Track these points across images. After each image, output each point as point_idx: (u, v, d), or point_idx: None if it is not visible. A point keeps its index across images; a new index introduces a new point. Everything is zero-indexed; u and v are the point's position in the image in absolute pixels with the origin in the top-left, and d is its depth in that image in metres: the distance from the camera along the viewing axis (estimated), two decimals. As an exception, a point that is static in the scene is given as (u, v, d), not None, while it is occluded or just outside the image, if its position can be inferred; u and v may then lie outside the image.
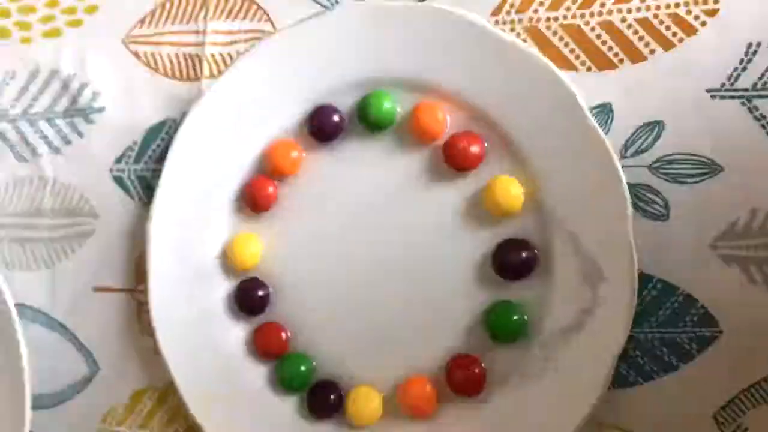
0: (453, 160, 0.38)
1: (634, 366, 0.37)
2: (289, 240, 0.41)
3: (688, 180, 0.36)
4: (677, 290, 0.36)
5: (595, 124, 0.35)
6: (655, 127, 0.37)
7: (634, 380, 0.37)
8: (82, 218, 0.46)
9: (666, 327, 0.37)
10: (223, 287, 0.42)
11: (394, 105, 0.39)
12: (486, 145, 0.38)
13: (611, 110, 0.37)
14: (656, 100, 0.37)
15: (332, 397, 0.39)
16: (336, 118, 0.40)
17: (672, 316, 0.36)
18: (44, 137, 0.46)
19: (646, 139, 0.37)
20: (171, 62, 0.45)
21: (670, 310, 0.36)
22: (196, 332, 0.41)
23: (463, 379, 0.37)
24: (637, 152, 0.37)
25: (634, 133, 0.37)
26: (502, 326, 0.37)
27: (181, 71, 0.44)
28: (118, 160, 0.45)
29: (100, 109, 0.46)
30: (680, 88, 0.37)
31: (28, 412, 0.43)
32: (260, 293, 0.41)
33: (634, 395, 0.37)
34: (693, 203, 0.36)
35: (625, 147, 0.37)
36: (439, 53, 0.38)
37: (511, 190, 0.37)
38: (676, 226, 0.36)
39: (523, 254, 0.36)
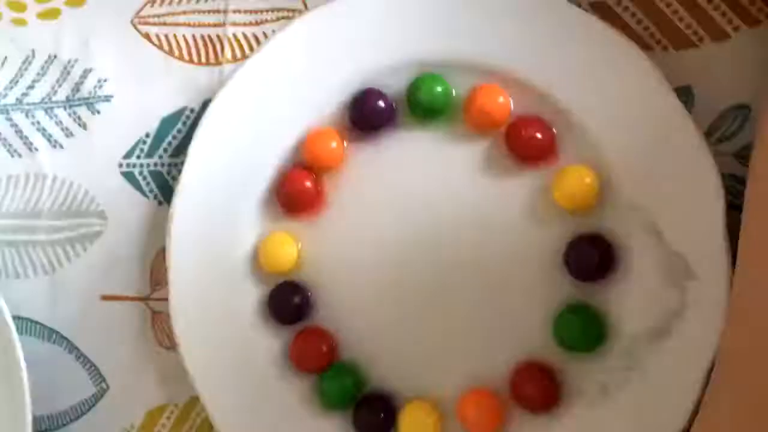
0: (517, 149, 0.34)
1: None
2: (331, 240, 0.36)
3: None
4: None
5: (681, 105, 0.31)
6: (740, 111, 0.33)
7: None
8: (86, 219, 0.41)
9: None
10: (254, 293, 0.37)
11: (448, 89, 0.35)
12: (554, 131, 0.34)
13: (691, 94, 0.33)
14: (741, 82, 0.33)
15: (383, 414, 0.34)
16: (382, 104, 0.35)
17: None
18: (42, 130, 0.41)
19: (731, 125, 0.33)
20: (187, 45, 0.40)
21: None
22: (225, 343, 0.36)
23: (533, 392, 0.32)
24: (721, 139, 0.33)
25: (717, 118, 0.33)
26: (576, 332, 0.32)
27: (199, 55, 0.40)
28: (128, 155, 0.40)
29: (107, 98, 0.41)
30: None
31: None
32: (297, 299, 0.36)
33: None
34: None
35: (708, 134, 0.33)
36: (500, 29, 0.34)
37: (585, 181, 0.32)
38: None
39: (599, 251, 0.32)
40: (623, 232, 0.33)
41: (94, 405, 0.41)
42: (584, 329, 0.32)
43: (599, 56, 0.33)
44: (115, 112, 0.41)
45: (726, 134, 0.33)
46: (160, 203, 0.40)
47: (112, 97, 0.41)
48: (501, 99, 0.34)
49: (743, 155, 0.33)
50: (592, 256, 0.32)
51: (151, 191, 0.40)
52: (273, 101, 0.37)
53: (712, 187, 0.31)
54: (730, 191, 0.33)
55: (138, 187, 0.40)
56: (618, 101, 0.32)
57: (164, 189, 0.40)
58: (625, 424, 0.32)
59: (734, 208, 0.32)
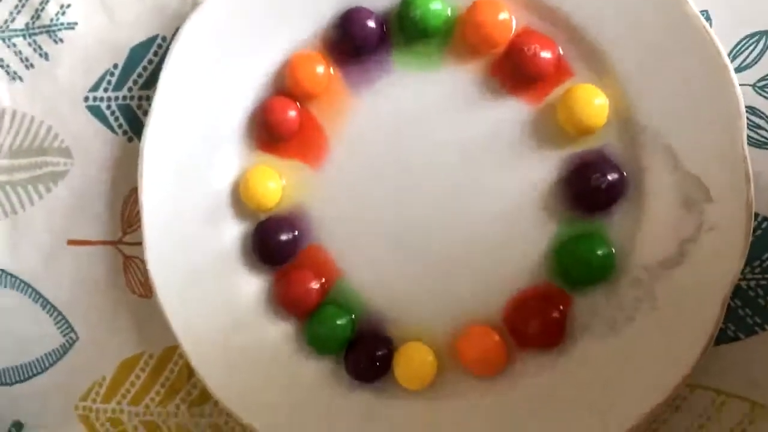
0: (520, 68, 0.30)
1: (734, 318, 0.30)
2: (317, 174, 0.33)
3: None
4: None
5: (702, 19, 0.28)
6: (761, 38, 0.30)
7: (733, 335, 0.30)
8: (50, 157, 0.37)
9: None
10: (235, 231, 0.34)
11: (444, 5, 0.31)
12: (560, 49, 0.30)
13: (709, 18, 0.30)
14: (763, 6, 0.30)
15: (378, 354, 0.31)
16: (372, 23, 0.32)
17: None
18: (-1, 61, 0.37)
19: (751, 52, 0.30)
20: (158, -35, 0.36)
21: None
22: (205, 287, 0.33)
23: (537, 327, 0.29)
24: (740, 68, 0.30)
25: (736, 46, 0.30)
26: (583, 262, 0.29)
27: (170, -24, 0.36)
28: (95, 87, 0.37)
29: (71, 25, 0.37)
30: None
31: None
32: (283, 237, 0.33)
33: (734, 352, 0.30)
34: (806, 125, 0.30)
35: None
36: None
37: (594, 101, 0.29)
38: None
39: (609, 176, 0.29)
40: (634, 155, 0.29)
41: (62, 356, 0.37)
42: (589, 259, 0.29)
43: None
44: (80, 41, 0.36)
45: (746, 63, 0.30)
46: (130, 139, 0.36)
47: (75, 24, 0.36)
48: (503, 14, 0.30)
49: (763, 86, 0.30)
50: (601, 182, 0.29)
51: (120, 126, 0.36)
52: (250, 24, 0.33)
53: (732, 106, 0.28)
54: (749, 125, 0.29)
55: (106, 122, 0.36)
56: (631, 15, 0.29)
57: (134, 124, 0.36)
58: (635, 359, 0.29)
59: (753, 144, 0.29)
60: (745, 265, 0.28)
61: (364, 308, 0.32)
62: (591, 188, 0.29)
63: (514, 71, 0.30)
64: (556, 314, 0.30)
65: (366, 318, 0.32)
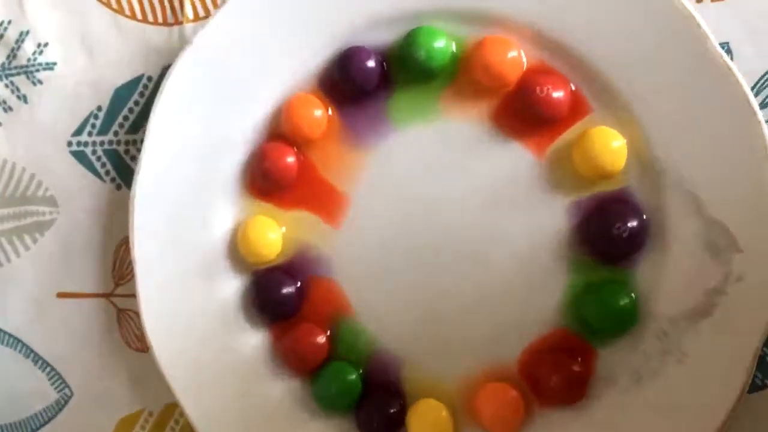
0: (531, 108, 0.28)
1: (762, 366, 0.28)
2: (319, 223, 0.30)
3: None
4: None
5: (724, 54, 0.26)
6: None
7: (761, 383, 0.28)
8: (34, 207, 0.34)
9: None
10: (233, 283, 0.31)
11: (448, 43, 0.29)
12: (573, 88, 0.28)
13: (729, 51, 0.28)
14: None
15: (391, 411, 0.29)
16: (371, 63, 0.29)
17: None
18: (-27, 105, 0.34)
19: None
20: (142, 2, 0.33)
21: None
22: (203, 342, 0.31)
23: (558, 382, 0.27)
24: (763, 105, 0.28)
25: (759, 80, 0.28)
26: (605, 312, 0.27)
27: (154, 12, 0.33)
28: (78, 131, 0.34)
29: (49, 66, 0.34)
30: None
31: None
32: (285, 290, 0.30)
33: (762, 401, 0.28)
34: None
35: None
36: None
37: (611, 144, 0.27)
38: None
39: (630, 224, 0.27)
40: (656, 201, 0.27)
41: (57, 413, 0.34)
42: (615, 309, 0.27)
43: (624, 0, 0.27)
44: (60, 82, 0.33)
45: None
46: (118, 187, 0.33)
47: (54, 64, 0.34)
48: (513, 52, 0.28)
49: None
50: (622, 230, 0.27)
51: (107, 173, 0.34)
52: (243, 64, 0.30)
53: (758, 147, 0.25)
54: None
55: (92, 168, 0.34)
56: (651, 54, 0.27)
57: (122, 170, 0.33)
58: (661, 415, 0.27)
59: None
60: (774, 309, 0.26)
61: (374, 350, 0.30)
62: (612, 237, 0.27)
63: (525, 112, 0.28)
64: (577, 368, 0.28)
65: (375, 371, 0.30)
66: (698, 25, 0.26)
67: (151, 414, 0.33)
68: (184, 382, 0.31)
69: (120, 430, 0.34)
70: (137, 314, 0.31)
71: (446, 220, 0.29)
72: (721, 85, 0.26)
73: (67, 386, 0.34)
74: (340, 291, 0.30)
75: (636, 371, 0.27)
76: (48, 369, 0.35)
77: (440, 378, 0.30)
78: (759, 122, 0.26)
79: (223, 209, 0.31)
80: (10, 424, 0.35)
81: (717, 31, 0.27)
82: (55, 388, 0.35)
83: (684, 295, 0.27)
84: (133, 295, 0.32)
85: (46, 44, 0.34)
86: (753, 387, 0.28)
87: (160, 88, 0.31)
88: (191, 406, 0.31)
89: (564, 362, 0.28)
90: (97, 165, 0.34)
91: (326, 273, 0.31)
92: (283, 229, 0.31)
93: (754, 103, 0.26)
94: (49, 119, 0.34)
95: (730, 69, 0.26)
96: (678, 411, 0.27)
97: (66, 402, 0.34)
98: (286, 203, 0.31)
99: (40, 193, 0.34)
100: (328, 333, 0.30)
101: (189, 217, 0.31)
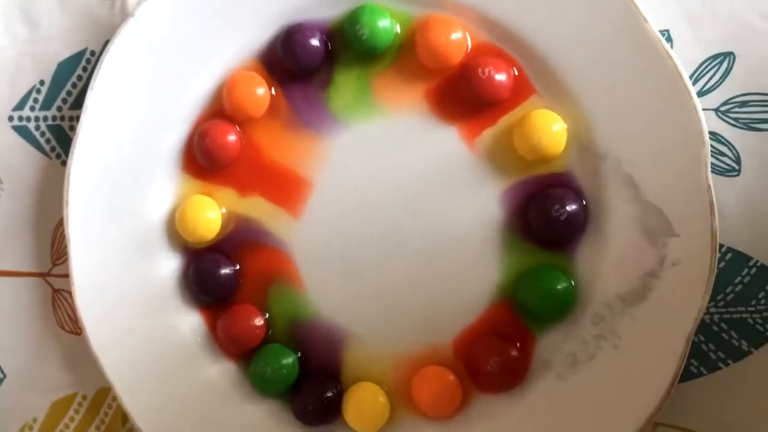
0: (474, 91, 0.26)
1: (697, 354, 0.27)
2: (256, 203, 0.29)
3: (765, 126, 0.26)
4: (750, 260, 0.27)
5: (663, 40, 0.25)
6: (724, 60, 0.27)
7: (696, 371, 0.27)
8: (-27, 183, 0.33)
9: (735, 305, 0.27)
10: (170, 264, 0.29)
11: (392, 23, 0.27)
12: (515, 71, 0.27)
13: (670, 39, 0.27)
14: (725, 27, 0.27)
15: (328, 395, 0.28)
16: (315, 41, 0.28)
17: (743, 293, 0.27)
18: None
19: (714, 75, 0.27)
20: (85, -25, 0.31)
21: (741, 285, 0.27)
22: (137, 325, 0.29)
23: (495, 367, 0.26)
24: (702, 92, 0.27)
25: (698, 68, 0.27)
26: (542, 298, 0.26)
27: (98, -15, 0.31)
28: (20, 106, 0.32)
29: (-12, 39, 0.32)
30: (755, 12, 0.26)
31: None
32: (224, 271, 0.29)
33: (697, 389, 0.27)
34: (770, 154, 0.26)
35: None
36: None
37: (551, 127, 0.26)
38: (749, 183, 0.26)
39: (569, 207, 0.26)
40: (594, 185, 0.26)
41: None
42: (552, 294, 0.26)
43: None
44: (1, 55, 0.31)
45: (708, 86, 0.27)
46: (64, 163, 0.32)
47: None
48: (457, 33, 0.27)
49: (726, 111, 0.27)
50: (560, 213, 0.26)
51: (53, 150, 0.32)
52: (184, 40, 0.28)
53: (694, 133, 0.24)
54: (712, 152, 0.26)
55: (36, 144, 0.32)
56: (592, 38, 0.25)
57: (67, 146, 0.30)
58: (597, 398, 0.26)
59: (715, 171, 0.26)
60: (708, 299, 0.25)
61: (310, 346, 0.29)
62: (550, 219, 0.26)
63: (466, 95, 0.27)
64: (515, 353, 0.27)
65: (311, 356, 0.29)
66: (638, 11, 0.25)
67: (84, 397, 0.31)
68: (116, 366, 0.29)
69: (53, 413, 0.32)
70: (72, 295, 0.30)
71: (390, 205, 0.28)
72: (659, 72, 0.25)
73: (0, 369, 0.33)
74: (287, 262, 0.29)
75: (572, 355, 0.26)
76: (-19, 351, 0.33)
77: (379, 360, 0.28)
78: (695, 108, 0.25)
79: (161, 187, 0.29)
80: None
81: (658, 17, 0.26)
82: (-12, 371, 0.33)
83: (620, 280, 0.26)
84: (68, 275, 0.30)
85: (-15, 17, 0.32)
86: (688, 375, 0.27)
87: (99, 62, 0.29)
88: (124, 390, 0.29)
89: (502, 347, 0.27)
90: (42, 141, 0.32)
91: (271, 243, 0.29)
92: (223, 209, 0.29)
93: (692, 89, 0.25)
94: (-12, 94, 0.32)
95: (668, 55, 0.25)
96: (612, 396, 0.25)
97: (-2, 385, 0.33)
98: (224, 181, 0.29)
99: (-21, 169, 0.32)
100: (267, 315, 0.29)
101: (126, 195, 0.29)
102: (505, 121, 0.27)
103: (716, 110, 0.27)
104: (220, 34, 0.29)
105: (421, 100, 0.28)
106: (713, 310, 0.27)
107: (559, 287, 0.26)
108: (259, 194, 0.29)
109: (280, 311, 0.29)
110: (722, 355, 0.27)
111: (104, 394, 0.31)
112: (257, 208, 0.29)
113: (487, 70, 0.26)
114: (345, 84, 0.28)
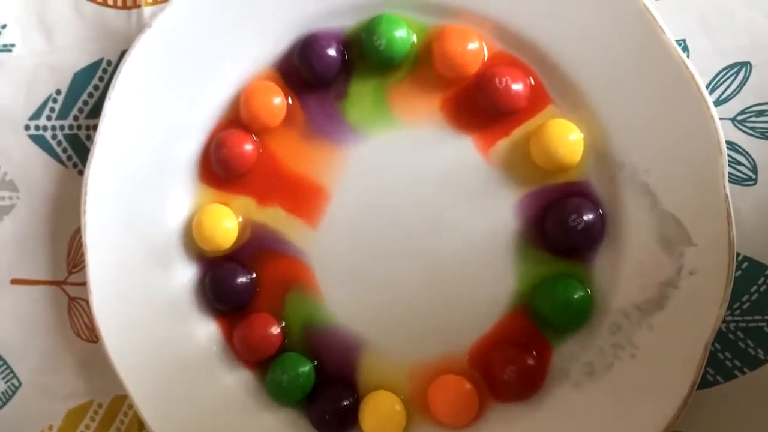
0: (490, 101, 0.26)
1: (714, 362, 0.27)
2: (275, 212, 0.29)
3: None
4: (766, 269, 0.26)
5: (679, 50, 0.25)
6: (740, 70, 0.27)
7: (713, 379, 0.27)
8: (-8, 191, 0.33)
9: (752, 314, 0.26)
10: (186, 272, 0.29)
11: (409, 33, 0.28)
12: (532, 81, 0.27)
13: (686, 49, 0.27)
14: (742, 37, 0.27)
15: (344, 404, 0.28)
16: (332, 51, 0.28)
17: (759, 301, 0.26)
18: (-73, 88, 0.32)
19: (730, 84, 0.27)
20: (101, -16, 0.32)
21: (757, 294, 0.26)
22: (154, 331, 0.29)
23: (512, 376, 0.26)
24: (719, 102, 0.27)
25: (714, 78, 0.27)
26: (559, 307, 0.26)
27: (116, -3, 0.32)
28: (36, 115, 0.32)
29: (7, 48, 0.32)
30: None
31: None
32: (240, 280, 0.29)
33: (713, 397, 0.27)
34: (786, 164, 0.26)
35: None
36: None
37: (568, 137, 0.26)
38: (765, 192, 0.26)
39: (586, 217, 0.26)
40: (611, 194, 0.26)
41: (4, 404, 0.32)
42: (568, 303, 0.26)
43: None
44: (18, 65, 0.32)
45: (725, 96, 0.27)
46: (80, 172, 0.31)
47: (13, 46, 0.32)
48: (474, 43, 0.27)
49: (743, 120, 0.27)
50: (577, 223, 0.26)
51: (69, 159, 0.32)
52: (201, 50, 0.29)
53: (711, 143, 0.24)
54: (728, 161, 0.26)
55: (52, 153, 0.32)
56: (609, 47, 0.26)
57: (84, 155, 0.31)
58: (614, 408, 0.25)
59: (732, 180, 0.26)
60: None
61: (327, 354, 0.29)
62: (567, 229, 0.26)
63: (483, 105, 0.27)
64: (531, 361, 0.27)
65: (328, 364, 0.29)
66: (654, 21, 0.25)
67: (100, 405, 0.31)
68: (133, 374, 0.29)
69: (69, 421, 0.32)
70: (88, 303, 0.29)
71: (406, 215, 0.28)
72: (676, 81, 0.25)
73: (15, 376, 0.32)
74: (304, 270, 0.29)
75: (589, 364, 0.26)
76: (-3, 359, 0.33)
77: (395, 368, 0.28)
78: (712, 118, 0.25)
79: (178, 196, 0.29)
80: (-43, 415, 0.33)
81: (674, 27, 0.26)
82: (3, 379, 0.32)
83: (637, 289, 0.26)
84: (85, 284, 0.30)
85: (4, 26, 0.32)
86: (705, 383, 0.27)
87: (116, 71, 0.29)
88: (140, 398, 0.29)
89: (518, 356, 0.26)
90: (59, 150, 0.32)
91: (288, 251, 0.29)
92: (240, 218, 0.30)
93: (708, 99, 0.25)
94: (6, 102, 0.32)
95: (685, 65, 0.25)
96: (630, 405, 0.25)
97: (14, 392, 0.32)
98: (241, 190, 0.29)
99: (-1, 177, 0.32)
100: (283, 324, 0.29)
101: (143, 204, 0.29)
102: (521, 130, 0.27)
103: (733, 119, 0.27)
104: (236, 43, 0.29)
105: (437, 111, 0.28)
106: (729, 318, 0.27)
107: (575, 296, 0.26)
108: (278, 204, 0.29)
109: (296, 319, 0.29)
110: (738, 364, 0.27)
111: (120, 401, 0.31)
112: (275, 218, 0.29)
113: (504, 79, 0.26)
114: (361, 94, 0.28)
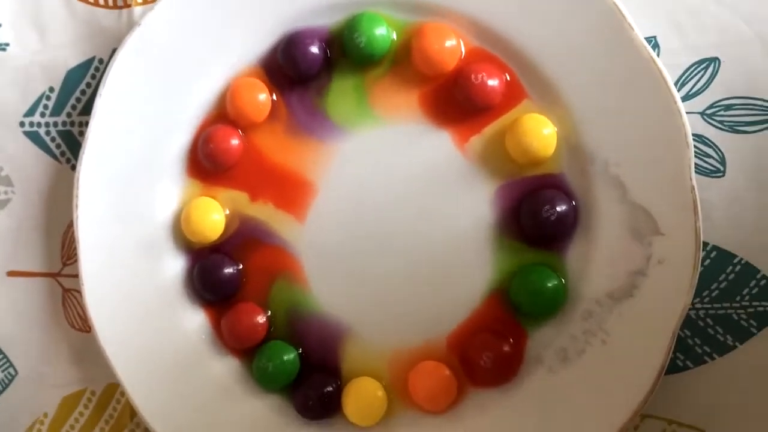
0: (467, 96, 0.27)
1: (684, 348, 0.27)
2: (260, 205, 0.30)
3: (749, 129, 0.27)
4: (734, 258, 0.27)
5: (648, 47, 0.26)
6: (709, 65, 0.27)
7: (683, 364, 0.28)
8: (-13, 186, 0.33)
9: (721, 302, 0.27)
10: (175, 264, 0.30)
11: (389, 30, 0.28)
12: (508, 77, 0.28)
13: (657, 45, 0.27)
14: (711, 34, 0.27)
15: (327, 390, 0.28)
16: (315, 49, 0.29)
17: (728, 289, 0.27)
18: (-76, 85, 0.33)
19: (699, 80, 0.27)
20: (93, -15, 0.32)
21: (726, 282, 0.27)
22: (145, 321, 0.30)
23: (489, 362, 0.27)
24: (688, 96, 0.27)
25: (684, 73, 0.27)
26: (533, 295, 0.27)
27: (106, -3, 0.32)
28: (30, 112, 0.33)
29: (1, 47, 0.33)
30: (741, 18, 0.27)
31: None
32: (227, 271, 0.30)
33: (683, 382, 0.27)
34: (753, 156, 0.27)
35: (674, 90, 0.27)
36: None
37: (542, 131, 0.27)
38: (733, 183, 0.27)
39: (559, 208, 0.26)
40: (584, 186, 0.27)
41: (1, 392, 0.33)
42: (542, 291, 0.27)
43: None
44: (12, 63, 0.32)
45: (694, 90, 0.27)
46: (74, 167, 0.32)
47: (7, 45, 0.32)
48: (451, 40, 0.27)
49: (711, 114, 0.27)
50: (551, 213, 0.27)
51: (62, 154, 0.33)
52: (189, 48, 0.29)
53: (679, 136, 0.25)
54: (697, 154, 0.27)
55: (47, 149, 0.33)
56: (580, 45, 0.26)
57: (77, 151, 0.31)
58: (587, 391, 0.26)
59: (701, 172, 0.27)
60: (694, 295, 0.26)
61: (310, 343, 0.29)
62: (541, 220, 0.27)
63: (459, 100, 0.27)
64: (507, 348, 0.27)
65: (312, 352, 0.29)
66: (624, 19, 0.26)
67: (93, 393, 0.32)
68: (124, 362, 0.29)
69: (63, 409, 0.33)
70: (81, 294, 0.30)
71: (388, 208, 0.29)
72: (644, 77, 0.26)
73: (12, 365, 0.33)
74: (290, 259, 0.30)
75: (562, 350, 0.27)
76: (-5, 349, 0.34)
77: (377, 355, 0.29)
78: (680, 113, 0.25)
79: (167, 190, 0.30)
80: (-45, 404, 0.34)
81: (645, 25, 0.27)
82: (0, 368, 0.34)
83: (608, 277, 0.26)
84: (78, 275, 0.31)
85: (-2, 25, 0.33)
86: (675, 368, 0.28)
87: (107, 69, 0.30)
88: (132, 386, 0.29)
89: (495, 343, 0.27)
90: (52, 146, 0.33)
91: (275, 242, 0.30)
92: (227, 211, 0.30)
93: (676, 94, 0.25)
94: (1, 99, 0.32)
95: (653, 61, 0.26)
96: (601, 389, 0.26)
97: (10, 381, 0.33)
98: (228, 183, 0.30)
99: (-7, 173, 0.33)
100: (269, 313, 0.30)
101: (133, 198, 0.30)
102: (497, 125, 0.28)
103: (702, 114, 0.28)
104: (222, 42, 0.30)
105: (416, 106, 0.28)
106: (699, 306, 0.28)
107: (549, 285, 0.27)
108: (270, 200, 0.30)
109: (282, 308, 0.30)
110: (708, 350, 0.28)
111: (113, 389, 0.32)
112: (265, 212, 0.30)
113: (480, 75, 0.27)
114: (343, 91, 0.29)
